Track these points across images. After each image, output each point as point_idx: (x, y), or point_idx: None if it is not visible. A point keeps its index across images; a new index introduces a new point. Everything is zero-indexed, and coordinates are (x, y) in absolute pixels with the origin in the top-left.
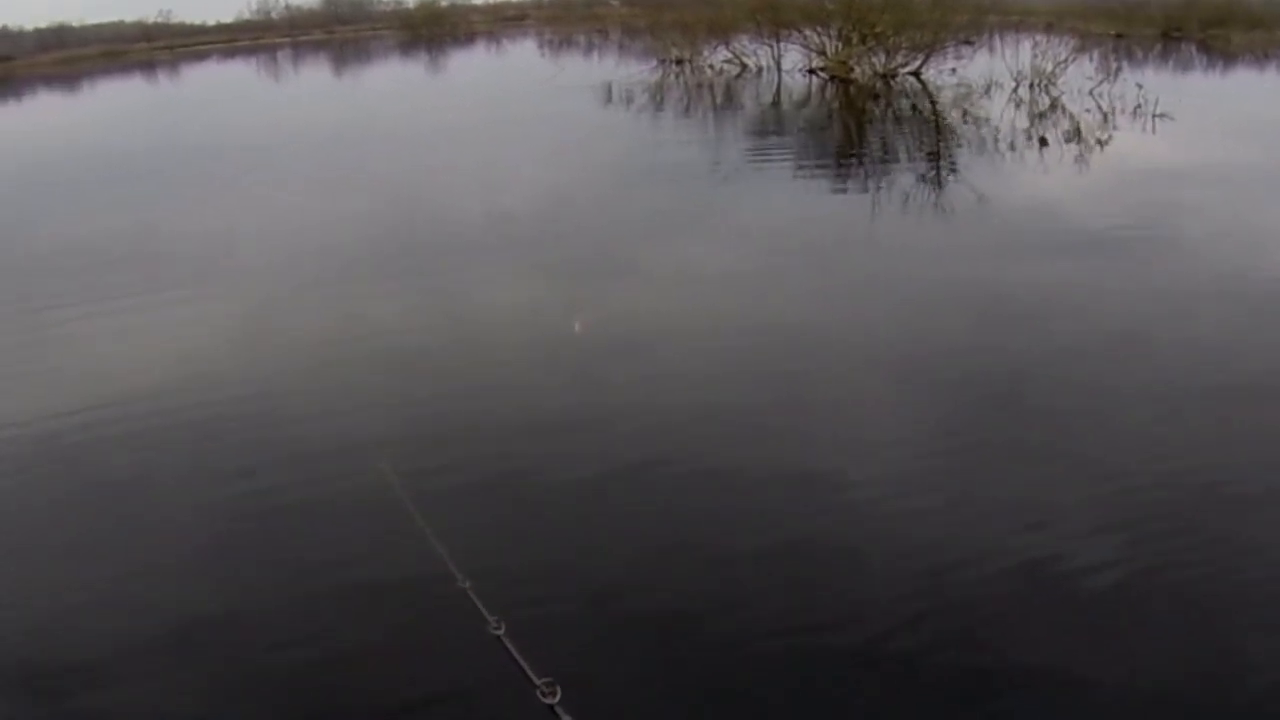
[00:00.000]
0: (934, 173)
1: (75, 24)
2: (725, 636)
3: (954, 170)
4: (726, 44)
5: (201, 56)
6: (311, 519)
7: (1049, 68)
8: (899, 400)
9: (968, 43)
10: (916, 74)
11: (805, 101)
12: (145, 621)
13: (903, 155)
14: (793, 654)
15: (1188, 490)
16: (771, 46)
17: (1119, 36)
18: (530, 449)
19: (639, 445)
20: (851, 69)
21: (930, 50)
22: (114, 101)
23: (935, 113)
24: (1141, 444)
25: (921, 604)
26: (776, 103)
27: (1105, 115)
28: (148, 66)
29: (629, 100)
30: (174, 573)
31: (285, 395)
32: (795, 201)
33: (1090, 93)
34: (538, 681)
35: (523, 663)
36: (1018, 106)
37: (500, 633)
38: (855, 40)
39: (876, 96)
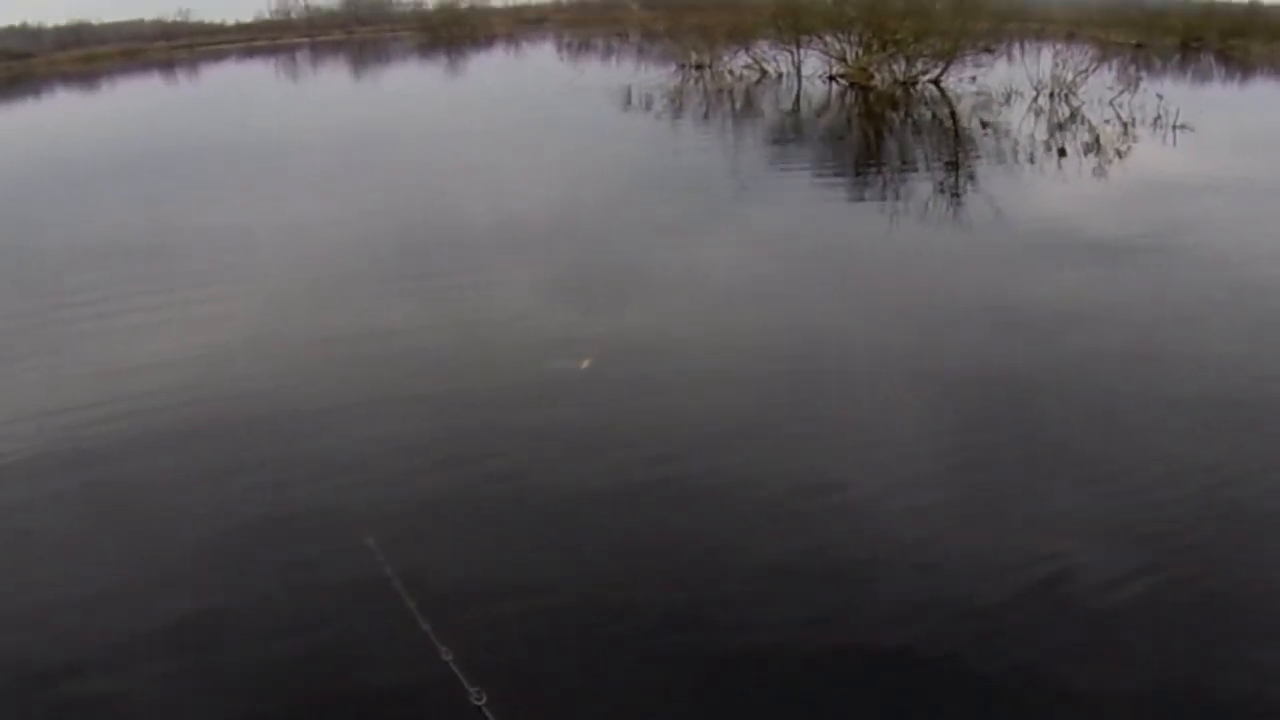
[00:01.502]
0: (953, 182)
1: (94, 22)
2: (716, 701)
3: (973, 180)
4: (746, 49)
5: (220, 56)
6: (297, 593)
7: (1069, 77)
8: (914, 409)
9: (988, 51)
10: (936, 82)
11: (825, 108)
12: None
13: (922, 164)
14: (807, 694)
15: (1202, 502)
16: (791, 52)
17: (1139, 46)
18: (521, 503)
19: (640, 506)
20: (871, 76)
21: (950, 58)
22: (134, 101)
23: (954, 121)
24: (1159, 455)
25: (932, 612)
26: (796, 109)
27: (1125, 126)
28: (166, 65)
29: (648, 104)
30: (156, 612)
31: (292, 408)
32: (813, 210)
33: (1110, 103)
34: None
35: None
36: (1037, 116)
37: (481, 703)
38: (875, 47)
39: (896, 104)
